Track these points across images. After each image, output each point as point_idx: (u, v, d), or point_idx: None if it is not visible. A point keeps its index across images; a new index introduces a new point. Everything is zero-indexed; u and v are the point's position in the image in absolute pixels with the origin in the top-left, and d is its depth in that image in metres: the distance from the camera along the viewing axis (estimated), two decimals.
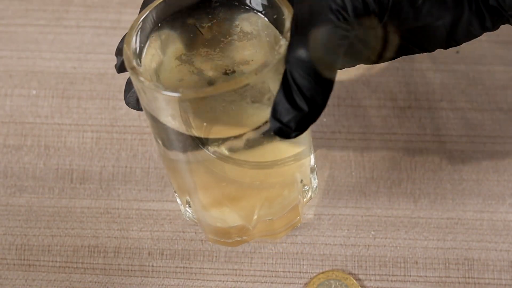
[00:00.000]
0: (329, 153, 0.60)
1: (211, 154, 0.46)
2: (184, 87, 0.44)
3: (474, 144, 0.61)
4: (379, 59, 0.47)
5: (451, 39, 0.45)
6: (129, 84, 0.48)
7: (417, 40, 0.46)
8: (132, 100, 0.48)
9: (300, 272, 0.57)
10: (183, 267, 0.57)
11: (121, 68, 0.47)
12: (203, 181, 0.50)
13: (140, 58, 0.46)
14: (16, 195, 0.59)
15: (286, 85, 0.41)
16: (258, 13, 0.47)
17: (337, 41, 0.40)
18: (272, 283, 0.56)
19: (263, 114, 0.44)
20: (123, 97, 0.62)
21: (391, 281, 0.56)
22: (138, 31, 0.46)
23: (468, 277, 0.56)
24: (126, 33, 0.46)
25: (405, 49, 0.47)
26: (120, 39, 0.65)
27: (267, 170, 0.49)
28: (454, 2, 0.43)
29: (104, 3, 0.66)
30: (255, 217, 0.53)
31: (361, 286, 0.56)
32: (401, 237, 0.58)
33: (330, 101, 0.62)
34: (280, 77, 0.42)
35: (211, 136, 0.45)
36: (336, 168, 0.60)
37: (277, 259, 0.57)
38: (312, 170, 0.55)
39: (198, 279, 0.56)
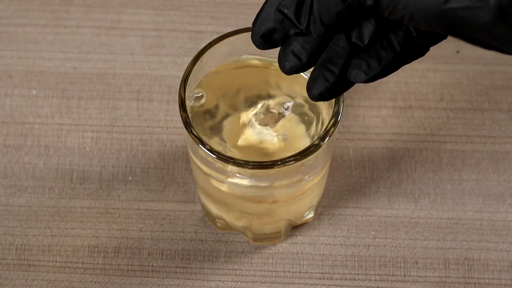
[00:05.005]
0: None
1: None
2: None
3: (474, 144, 0.61)
4: None
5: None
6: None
7: None
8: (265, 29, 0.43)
9: (300, 272, 0.57)
10: (183, 267, 0.57)
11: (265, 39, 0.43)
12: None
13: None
14: (16, 195, 0.59)
15: None
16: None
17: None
18: (272, 283, 0.56)
19: None
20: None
21: (391, 281, 0.56)
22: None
23: (468, 277, 0.56)
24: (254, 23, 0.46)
25: None
26: (120, 40, 0.65)
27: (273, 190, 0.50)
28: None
29: (104, 3, 0.66)
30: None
31: (361, 286, 0.56)
32: (401, 237, 0.58)
33: None
34: None
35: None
36: (336, 168, 0.60)
37: (277, 259, 0.57)
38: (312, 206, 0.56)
39: (198, 279, 0.56)
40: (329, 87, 0.42)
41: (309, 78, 0.42)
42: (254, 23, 0.43)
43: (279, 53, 0.43)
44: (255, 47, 0.50)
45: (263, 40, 0.43)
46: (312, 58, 0.42)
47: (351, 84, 0.42)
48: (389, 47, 0.41)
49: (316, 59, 0.43)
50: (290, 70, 0.43)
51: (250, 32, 0.48)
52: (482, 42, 0.37)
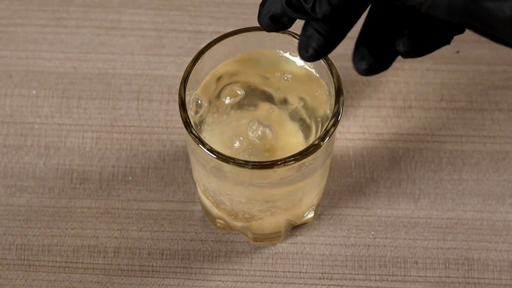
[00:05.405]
0: None
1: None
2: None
3: (474, 144, 0.61)
4: None
5: None
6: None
7: None
8: (274, 10, 0.42)
9: (300, 272, 0.57)
10: (183, 267, 0.57)
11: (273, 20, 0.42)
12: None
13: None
14: (16, 195, 0.59)
15: None
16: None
17: None
18: (272, 283, 0.56)
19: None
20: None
21: (391, 281, 0.56)
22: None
23: (468, 277, 0.56)
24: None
25: None
26: (120, 40, 0.65)
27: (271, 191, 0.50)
28: None
29: (104, 3, 0.66)
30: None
31: (361, 286, 0.56)
32: (401, 237, 0.58)
33: None
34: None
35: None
36: (336, 168, 0.60)
37: (277, 259, 0.57)
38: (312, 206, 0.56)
39: (198, 279, 0.56)
40: (378, 59, 0.40)
41: (355, 51, 0.40)
42: (262, 4, 0.41)
43: (300, 39, 0.41)
44: (255, 46, 0.50)
45: (271, 22, 0.41)
46: (338, 35, 0.41)
47: (396, 55, 0.40)
48: (435, 19, 0.39)
49: (341, 37, 0.41)
50: (316, 52, 0.41)
51: (250, 32, 0.48)
52: (501, 38, 0.36)
